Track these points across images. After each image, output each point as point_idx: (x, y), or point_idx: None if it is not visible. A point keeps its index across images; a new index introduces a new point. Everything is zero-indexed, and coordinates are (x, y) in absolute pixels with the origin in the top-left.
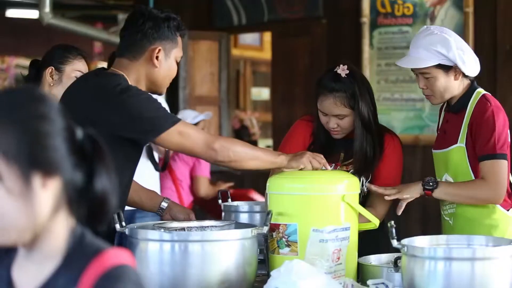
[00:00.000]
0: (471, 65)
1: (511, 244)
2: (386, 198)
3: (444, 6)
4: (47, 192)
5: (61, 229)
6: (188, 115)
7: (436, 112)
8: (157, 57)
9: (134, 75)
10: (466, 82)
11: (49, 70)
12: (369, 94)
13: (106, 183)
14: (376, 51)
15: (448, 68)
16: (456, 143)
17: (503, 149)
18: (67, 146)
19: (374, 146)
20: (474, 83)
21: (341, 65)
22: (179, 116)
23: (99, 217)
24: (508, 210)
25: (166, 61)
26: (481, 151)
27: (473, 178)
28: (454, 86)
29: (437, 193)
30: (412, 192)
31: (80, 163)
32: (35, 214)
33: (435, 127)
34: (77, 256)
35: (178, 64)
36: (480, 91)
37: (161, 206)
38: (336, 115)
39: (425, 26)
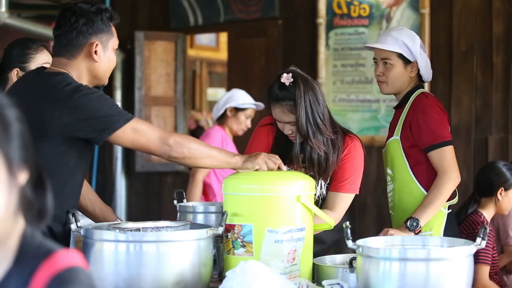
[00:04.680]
0: (428, 68)
1: (465, 245)
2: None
3: (400, 7)
4: (16, 189)
5: (16, 231)
6: (239, 96)
7: (392, 113)
8: (95, 52)
9: (76, 72)
10: (415, 83)
11: (14, 72)
12: (310, 99)
13: (49, 187)
14: (332, 52)
15: (408, 62)
16: (393, 136)
17: (445, 136)
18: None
19: (326, 150)
20: (421, 85)
21: (285, 74)
22: (230, 94)
23: (41, 215)
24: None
25: (105, 53)
26: (426, 142)
27: (409, 169)
28: (406, 80)
29: (423, 223)
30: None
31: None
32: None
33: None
34: (28, 258)
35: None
36: (422, 90)
37: None
38: (288, 122)
39: (396, 26)
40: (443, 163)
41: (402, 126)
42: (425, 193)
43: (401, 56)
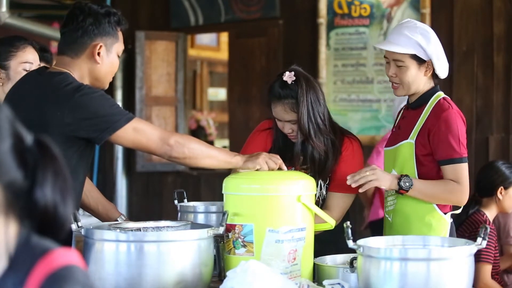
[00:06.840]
0: (443, 66)
1: (466, 245)
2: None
3: (401, 7)
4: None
5: (9, 233)
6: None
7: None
8: (98, 53)
9: (77, 72)
10: (431, 83)
11: None
12: (312, 99)
13: (49, 193)
14: (333, 51)
15: (422, 62)
16: (407, 138)
17: (466, 153)
18: (12, 153)
19: (326, 149)
20: (438, 86)
21: (287, 72)
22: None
23: (50, 228)
24: (445, 214)
25: (108, 56)
26: (443, 155)
27: (416, 175)
28: (421, 82)
29: (411, 192)
30: (385, 183)
31: (24, 169)
32: None
33: (392, 127)
34: (23, 258)
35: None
36: (441, 93)
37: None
38: (288, 121)
39: (408, 19)
40: (457, 177)
41: (419, 131)
42: (431, 204)
43: (414, 57)
